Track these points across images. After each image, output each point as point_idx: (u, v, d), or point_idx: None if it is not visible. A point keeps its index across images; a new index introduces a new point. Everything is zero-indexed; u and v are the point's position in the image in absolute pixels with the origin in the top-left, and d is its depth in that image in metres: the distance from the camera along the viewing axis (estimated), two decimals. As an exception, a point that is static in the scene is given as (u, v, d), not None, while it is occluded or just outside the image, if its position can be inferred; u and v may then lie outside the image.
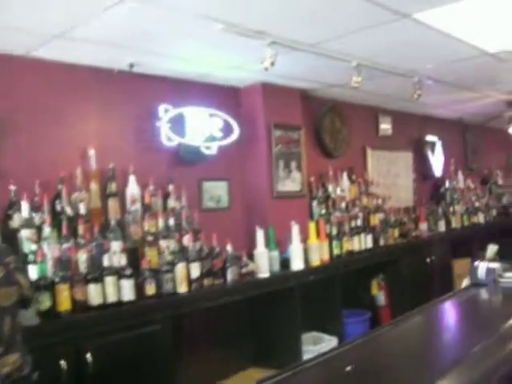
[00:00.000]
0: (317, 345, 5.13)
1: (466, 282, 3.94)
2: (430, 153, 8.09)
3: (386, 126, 7.35)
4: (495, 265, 3.87)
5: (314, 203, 5.66)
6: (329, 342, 5.15)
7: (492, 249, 4.13)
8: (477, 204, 8.36)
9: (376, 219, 6.09)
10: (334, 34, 3.91)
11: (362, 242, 5.73)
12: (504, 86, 6.52)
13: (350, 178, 6.32)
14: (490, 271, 3.80)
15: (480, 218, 8.32)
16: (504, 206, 9.42)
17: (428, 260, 6.65)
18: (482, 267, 3.84)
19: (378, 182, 6.75)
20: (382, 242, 6.06)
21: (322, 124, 6.23)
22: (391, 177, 7.35)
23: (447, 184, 8.17)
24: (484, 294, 3.71)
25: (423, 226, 6.89)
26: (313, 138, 6.18)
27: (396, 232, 6.35)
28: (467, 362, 2.13)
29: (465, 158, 9.44)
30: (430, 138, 8.16)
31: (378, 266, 6.09)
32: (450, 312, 3.48)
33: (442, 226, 7.35)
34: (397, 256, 6.20)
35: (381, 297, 6.21)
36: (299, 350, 4.88)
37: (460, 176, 8.67)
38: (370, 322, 5.76)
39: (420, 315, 3.17)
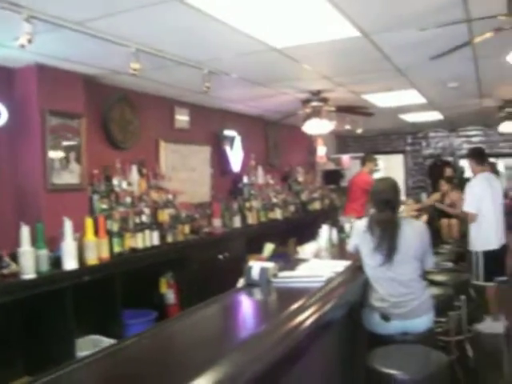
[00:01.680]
0: (96, 348, 4.79)
1: (241, 282, 3.81)
2: (228, 148, 8.01)
3: (182, 119, 7.13)
4: (269, 264, 3.77)
5: (96, 197, 5.26)
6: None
7: (269, 247, 4.03)
8: (274, 200, 8.42)
9: (165, 215, 5.83)
10: (101, 12, 3.55)
11: (148, 239, 5.44)
12: (297, 84, 6.55)
13: (140, 171, 6.01)
14: (263, 271, 3.70)
15: (277, 214, 8.38)
16: (302, 202, 9.60)
17: (221, 256, 6.52)
18: (255, 267, 3.73)
19: (170, 176, 6.48)
20: (170, 239, 5.80)
21: (111, 114, 5.86)
22: (187, 171, 7.14)
23: (246, 179, 8.13)
24: (256, 293, 3.62)
25: (217, 221, 6.76)
26: (99, 128, 5.78)
27: (187, 228, 6.13)
28: (242, 348, 2.40)
29: (266, 154, 9.52)
30: (229, 132, 8.07)
31: (166, 264, 5.84)
32: (221, 311, 3.32)
33: (237, 222, 7.27)
34: (187, 253, 5.98)
35: (170, 295, 5.96)
36: (73, 355, 4.51)
37: (260, 172, 8.69)
38: (157, 321, 5.49)
39: (194, 314, 3.10)
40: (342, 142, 13.94)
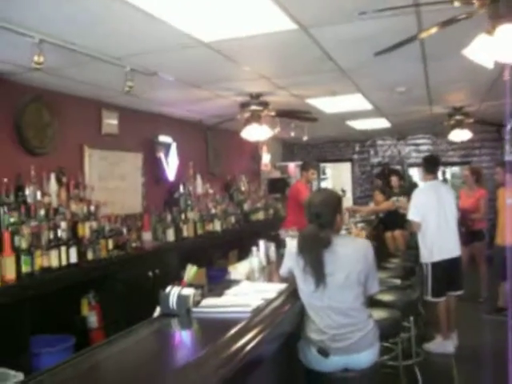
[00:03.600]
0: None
1: (158, 311, 3.26)
2: (163, 155, 7.43)
3: (111, 123, 6.51)
4: (189, 291, 3.22)
5: (2, 210, 4.61)
6: (14, 380, 4.23)
7: (191, 270, 3.47)
8: (213, 211, 7.89)
9: (86, 229, 5.23)
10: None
11: (64, 257, 4.83)
12: (235, 85, 6.03)
13: (59, 180, 5.39)
14: (182, 299, 3.15)
15: (217, 226, 7.85)
16: (245, 212, 9.09)
17: (151, 274, 5.95)
18: (173, 294, 3.18)
19: (94, 185, 5.85)
20: (91, 256, 5.20)
21: (24, 116, 5.21)
22: (115, 180, 6.54)
23: (182, 189, 7.57)
24: (172, 326, 3.08)
25: (147, 235, 6.19)
26: (11, 132, 5.13)
27: (111, 243, 5.53)
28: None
29: (206, 161, 8.97)
30: (164, 138, 7.50)
31: (87, 284, 5.25)
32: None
33: (171, 235, 6.71)
34: (111, 271, 5.41)
35: (92, 318, 5.37)
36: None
37: (199, 181, 8.15)
38: (77, 348, 4.87)
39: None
40: (288, 149, 13.51)
